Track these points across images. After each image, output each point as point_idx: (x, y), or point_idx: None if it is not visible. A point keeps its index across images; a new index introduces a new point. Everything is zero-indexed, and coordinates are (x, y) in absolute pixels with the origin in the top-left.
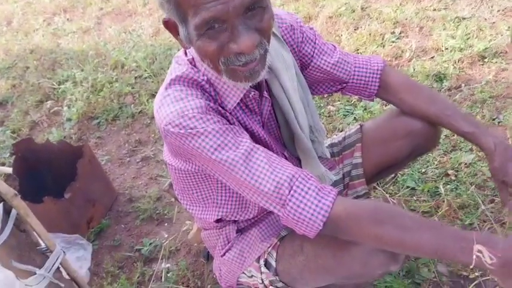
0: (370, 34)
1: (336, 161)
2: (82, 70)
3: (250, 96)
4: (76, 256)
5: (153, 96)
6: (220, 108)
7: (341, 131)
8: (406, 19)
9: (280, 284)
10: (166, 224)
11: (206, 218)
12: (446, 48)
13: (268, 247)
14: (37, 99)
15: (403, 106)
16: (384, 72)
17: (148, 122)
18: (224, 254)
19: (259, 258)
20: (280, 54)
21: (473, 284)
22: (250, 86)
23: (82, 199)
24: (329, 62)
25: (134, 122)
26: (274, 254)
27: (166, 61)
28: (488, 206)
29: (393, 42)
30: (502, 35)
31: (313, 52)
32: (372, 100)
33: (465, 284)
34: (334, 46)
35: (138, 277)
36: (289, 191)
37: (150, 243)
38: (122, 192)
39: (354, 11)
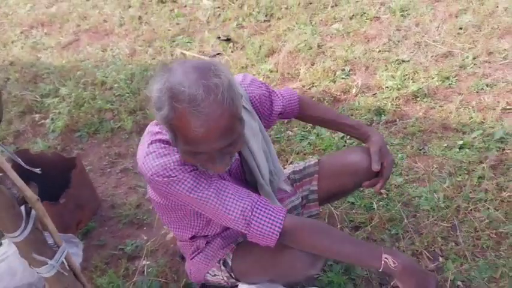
0: (324, 70)
1: (296, 186)
2: (64, 85)
3: None
4: (70, 252)
5: (132, 113)
6: None
7: (297, 153)
8: (355, 58)
9: (232, 280)
10: (145, 228)
11: (182, 236)
12: (387, 87)
13: (228, 251)
14: (20, 110)
15: (310, 118)
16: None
17: (127, 136)
18: (193, 258)
19: (219, 260)
20: (249, 124)
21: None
22: None
23: (73, 204)
24: (279, 106)
25: (113, 136)
26: (231, 255)
27: (143, 82)
28: (410, 219)
29: (343, 78)
30: (432, 79)
31: (271, 104)
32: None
33: (389, 279)
34: (274, 91)
35: (123, 271)
36: (251, 214)
37: (132, 244)
38: (104, 199)
39: (311, 48)
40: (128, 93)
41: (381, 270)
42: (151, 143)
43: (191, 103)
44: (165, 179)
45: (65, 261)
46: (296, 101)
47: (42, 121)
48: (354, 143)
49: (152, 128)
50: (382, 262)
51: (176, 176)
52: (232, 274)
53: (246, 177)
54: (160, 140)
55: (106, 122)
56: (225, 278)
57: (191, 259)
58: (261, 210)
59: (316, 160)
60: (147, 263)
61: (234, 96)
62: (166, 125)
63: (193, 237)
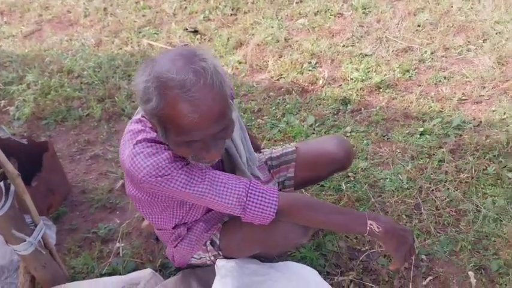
0: (291, 62)
1: (273, 172)
2: (28, 73)
3: None
4: None
5: (100, 101)
6: None
7: (268, 140)
8: (321, 52)
9: (220, 258)
10: (118, 212)
11: (163, 226)
12: (351, 79)
13: (215, 231)
14: None
15: None
16: None
17: (96, 124)
18: (176, 245)
19: (205, 242)
20: None
21: (364, 254)
22: None
23: (44, 188)
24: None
25: (82, 124)
26: (218, 235)
27: (111, 70)
28: (377, 199)
29: (310, 70)
30: (393, 71)
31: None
32: None
33: (358, 254)
34: None
35: (97, 253)
36: (246, 198)
37: (105, 227)
38: (74, 185)
39: (278, 41)
40: (97, 81)
41: (366, 234)
42: (136, 144)
43: (182, 88)
44: (159, 179)
45: (41, 240)
46: None
47: (7, 108)
48: (322, 130)
49: (133, 126)
50: (368, 228)
51: (169, 174)
52: (220, 252)
53: (223, 166)
54: (145, 139)
55: (74, 110)
56: (212, 258)
57: (174, 247)
58: (254, 194)
59: (294, 148)
60: (122, 245)
61: (222, 80)
62: (155, 118)
63: (174, 226)
